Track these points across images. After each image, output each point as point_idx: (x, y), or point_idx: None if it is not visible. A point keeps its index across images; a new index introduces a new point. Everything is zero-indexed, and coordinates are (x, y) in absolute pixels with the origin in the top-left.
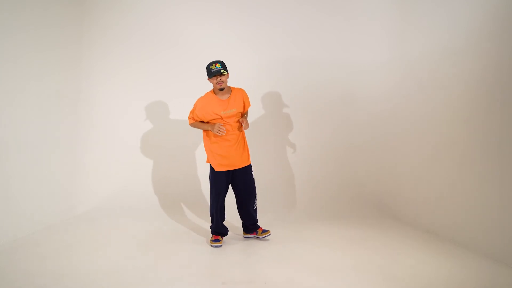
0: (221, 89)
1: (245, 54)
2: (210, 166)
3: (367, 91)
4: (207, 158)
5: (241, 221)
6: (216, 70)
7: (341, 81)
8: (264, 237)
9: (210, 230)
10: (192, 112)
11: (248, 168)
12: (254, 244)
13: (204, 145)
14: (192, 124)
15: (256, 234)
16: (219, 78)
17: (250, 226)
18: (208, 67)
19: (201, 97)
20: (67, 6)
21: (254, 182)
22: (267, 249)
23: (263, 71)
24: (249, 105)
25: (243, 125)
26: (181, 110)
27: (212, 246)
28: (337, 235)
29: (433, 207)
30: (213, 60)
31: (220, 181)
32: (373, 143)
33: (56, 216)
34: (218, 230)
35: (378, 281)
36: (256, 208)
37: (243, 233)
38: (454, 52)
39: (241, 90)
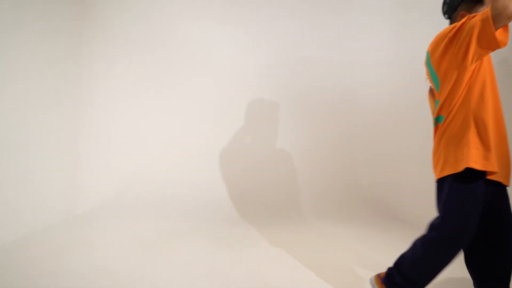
0: None
1: (246, 54)
2: (458, 176)
3: (367, 91)
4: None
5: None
6: None
7: (342, 81)
8: None
9: None
10: None
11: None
12: (253, 244)
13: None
14: None
15: None
16: None
17: None
18: None
19: None
20: (67, 4)
21: None
22: (267, 249)
23: (264, 71)
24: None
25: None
26: (182, 109)
27: None
28: (337, 235)
29: (433, 207)
30: None
31: (478, 197)
32: (373, 143)
33: (56, 216)
34: None
35: None
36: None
37: None
38: None
39: None
